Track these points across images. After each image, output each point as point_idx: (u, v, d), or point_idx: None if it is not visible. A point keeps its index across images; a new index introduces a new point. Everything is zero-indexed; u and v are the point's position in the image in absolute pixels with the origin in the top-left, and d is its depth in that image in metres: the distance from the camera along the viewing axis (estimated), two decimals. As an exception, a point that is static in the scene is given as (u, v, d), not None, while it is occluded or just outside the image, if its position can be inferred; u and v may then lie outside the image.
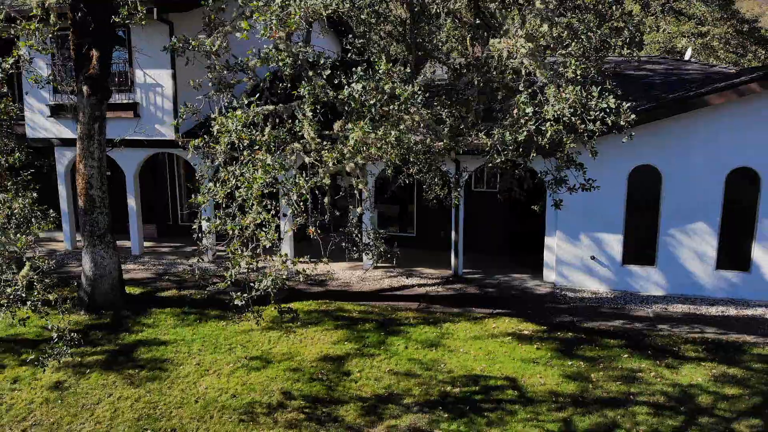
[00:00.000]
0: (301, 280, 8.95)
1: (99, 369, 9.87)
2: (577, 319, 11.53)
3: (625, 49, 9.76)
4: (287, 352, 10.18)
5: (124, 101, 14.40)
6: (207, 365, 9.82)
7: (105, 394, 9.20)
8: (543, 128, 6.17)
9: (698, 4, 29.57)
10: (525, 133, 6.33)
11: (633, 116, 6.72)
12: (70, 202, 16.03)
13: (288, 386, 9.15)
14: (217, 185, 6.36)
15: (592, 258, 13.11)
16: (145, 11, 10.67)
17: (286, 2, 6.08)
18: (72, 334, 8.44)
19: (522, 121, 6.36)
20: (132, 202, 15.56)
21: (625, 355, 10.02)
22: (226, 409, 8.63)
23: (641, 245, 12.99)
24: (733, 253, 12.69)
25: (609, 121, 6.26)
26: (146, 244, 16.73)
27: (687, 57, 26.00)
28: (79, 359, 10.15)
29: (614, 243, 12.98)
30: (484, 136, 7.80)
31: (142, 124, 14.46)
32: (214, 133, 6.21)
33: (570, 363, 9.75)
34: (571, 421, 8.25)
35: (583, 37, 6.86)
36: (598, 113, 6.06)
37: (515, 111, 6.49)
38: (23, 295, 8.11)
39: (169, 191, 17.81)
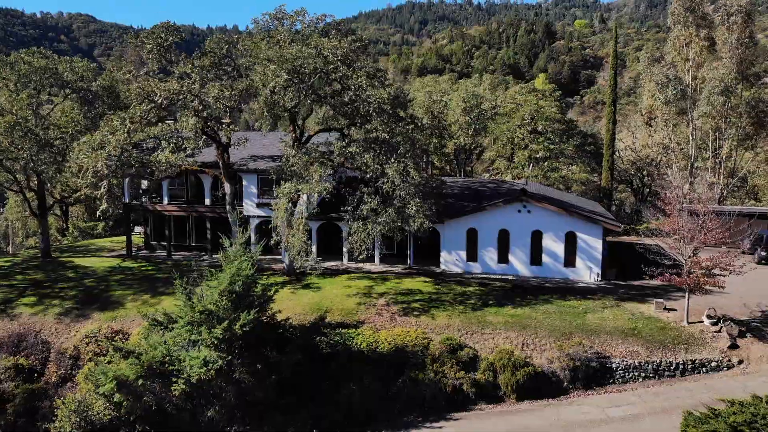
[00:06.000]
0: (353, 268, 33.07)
1: (301, 289, 34.29)
2: (445, 278, 35.82)
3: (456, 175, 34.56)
4: (354, 285, 34.60)
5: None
6: (333, 288, 34.21)
7: (307, 294, 33.61)
8: (414, 227, 30.81)
9: (551, 132, 54.54)
10: (413, 226, 30.93)
11: (428, 223, 31.55)
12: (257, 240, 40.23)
13: (357, 290, 33.58)
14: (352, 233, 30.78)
15: (456, 260, 37.43)
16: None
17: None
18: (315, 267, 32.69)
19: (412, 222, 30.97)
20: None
21: (454, 285, 34.40)
22: (342, 296, 33.04)
23: (472, 254, 37.33)
24: (503, 257, 37.03)
25: (425, 224, 30.91)
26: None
27: (528, 172, 50.77)
28: (294, 287, 34.48)
29: (463, 254, 37.32)
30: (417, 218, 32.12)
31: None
32: (354, 228, 30.58)
33: (437, 287, 34.17)
34: (431, 297, 32.63)
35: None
36: (425, 226, 30.73)
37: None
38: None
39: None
